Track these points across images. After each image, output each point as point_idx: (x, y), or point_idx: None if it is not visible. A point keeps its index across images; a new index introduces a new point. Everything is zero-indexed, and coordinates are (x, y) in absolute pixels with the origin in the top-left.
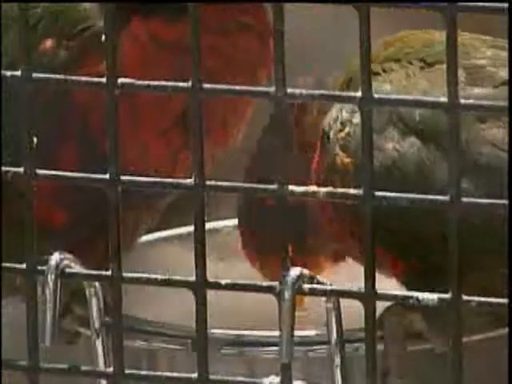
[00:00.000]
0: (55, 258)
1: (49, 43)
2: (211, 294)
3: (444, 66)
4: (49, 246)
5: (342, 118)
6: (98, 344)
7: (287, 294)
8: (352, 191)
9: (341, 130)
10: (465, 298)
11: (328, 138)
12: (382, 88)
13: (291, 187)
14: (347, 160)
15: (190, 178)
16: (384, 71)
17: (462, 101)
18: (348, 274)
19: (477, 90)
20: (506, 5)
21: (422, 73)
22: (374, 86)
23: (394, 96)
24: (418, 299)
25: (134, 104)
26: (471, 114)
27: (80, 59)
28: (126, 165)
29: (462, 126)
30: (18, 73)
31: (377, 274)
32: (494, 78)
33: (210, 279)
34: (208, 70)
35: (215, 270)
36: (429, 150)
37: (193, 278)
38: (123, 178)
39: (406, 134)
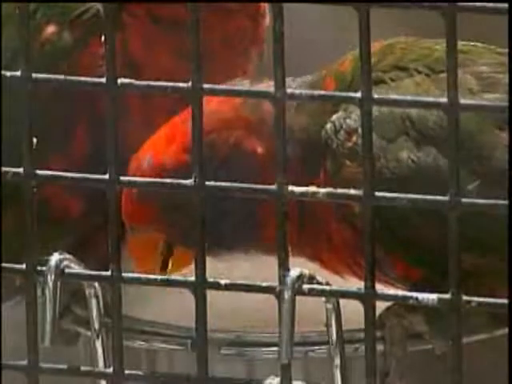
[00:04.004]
0: (55, 258)
1: (51, 29)
2: (211, 294)
3: None
4: (64, 237)
5: (346, 127)
6: (98, 344)
7: (287, 295)
8: (352, 191)
9: (347, 140)
10: (465, 298)
11: (328, 146)
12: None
13: (291, 187)
14: (356, 170)
15: None
16: (392, 80)
17: (462, 101)
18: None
19: (490, 96)
20: (506, 5)
21: (430, 80)
22: (382, 93)
23: (393, 96)
24: (417, 299)
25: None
26: (490, 122)
27: (85, 39)
28: (133, 145)
29: (481, 134)
30: (18, 73)
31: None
32: (503, 83)
33: (210, 279)
34: (202, 47)
35: (215, 270)
36: (446, 157)
37: (193, 278)
38: (123, 178)
39: (420, 142)
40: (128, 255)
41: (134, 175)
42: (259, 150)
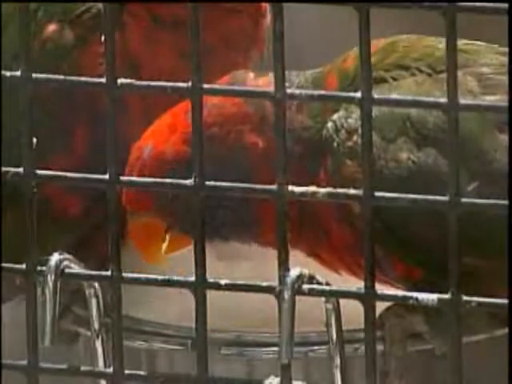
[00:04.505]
0: (55, 258)
1: (52, 27)
2: (211, 294)
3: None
4: (64, 237)
5: (347, 127)
6: (98, 344)
7: (287, 295)
8: (352, 191)
9: (347, 139)
10: (465, 298)
11: (329, 145)
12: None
13: (291, 187)
14: (356, 169)
15: None
16: (393, 79)
17: (462, 101)
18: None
19: (490, 98)
20: (506, 5)
21: (432, 80)
22: (383, 93)
23: (393, 96)
24: (417, 299)
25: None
26: (490, 123)
27: (86, 38)
28: (133, 142)
29: (481, 135)
30: (18, 73)
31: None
32: (503, 84)
33: (210, 279)
34: (203, 45)
35: (215, 270)
36: (446, 158)
37: (193, 278)
38: (123, 178)
39: (420, 143)
40: (130, 244)
41: (135, 164)
42: (260, 145)
